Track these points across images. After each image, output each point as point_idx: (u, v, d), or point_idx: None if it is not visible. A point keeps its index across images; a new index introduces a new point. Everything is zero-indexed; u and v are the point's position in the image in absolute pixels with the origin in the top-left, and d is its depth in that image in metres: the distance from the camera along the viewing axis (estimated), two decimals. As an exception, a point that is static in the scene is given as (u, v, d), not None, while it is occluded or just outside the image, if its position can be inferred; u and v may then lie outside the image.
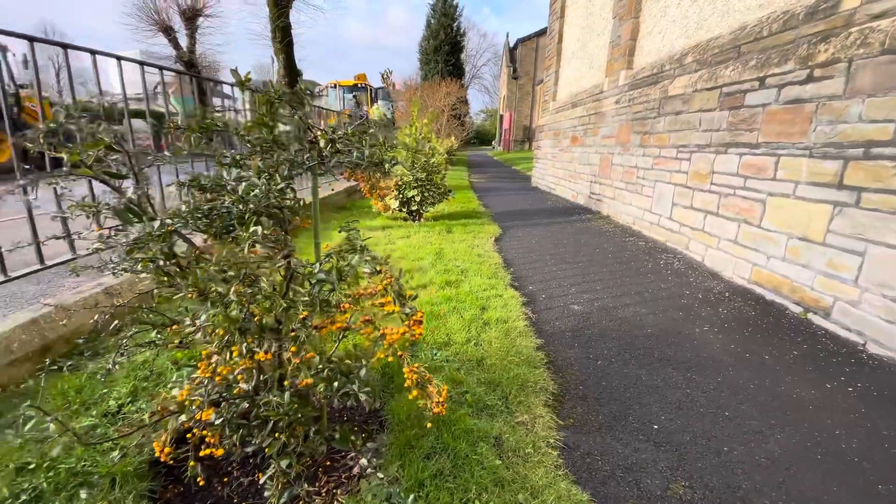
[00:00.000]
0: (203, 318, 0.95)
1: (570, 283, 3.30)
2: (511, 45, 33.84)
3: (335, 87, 23.41)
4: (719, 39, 3.95)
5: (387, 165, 1.29)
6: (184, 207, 0.94)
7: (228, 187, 0.98)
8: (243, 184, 0.97)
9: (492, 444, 1.46)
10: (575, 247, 4.42)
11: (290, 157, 1.21)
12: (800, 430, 1.69)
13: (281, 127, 1.02)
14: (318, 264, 0.99)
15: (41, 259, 2.07)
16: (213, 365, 0.97)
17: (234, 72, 1.02)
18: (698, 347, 2.34)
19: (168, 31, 18.53)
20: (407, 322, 1.12)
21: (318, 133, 1.33)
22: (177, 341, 1.01)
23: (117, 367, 1.20)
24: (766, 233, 3.15)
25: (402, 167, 5.06)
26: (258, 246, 0.95)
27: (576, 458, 1.49)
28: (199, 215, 0.96)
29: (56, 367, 1.67)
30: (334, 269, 0.98)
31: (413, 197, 5.15)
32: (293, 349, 0.96)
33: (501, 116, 35.61)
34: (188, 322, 0.99)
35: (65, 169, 0.90)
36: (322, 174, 1.33)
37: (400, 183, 5.14)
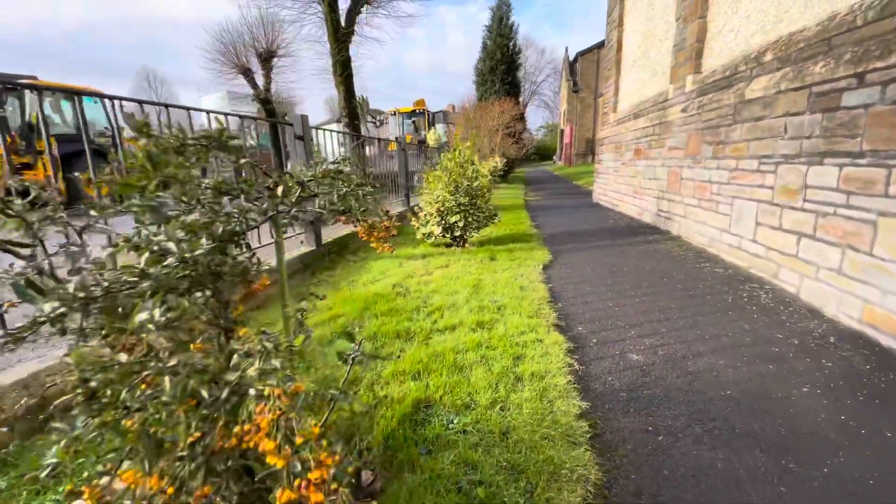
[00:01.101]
0: (56, 449, 0.74)
1: (628, 324, 2.83)
2: (571, 58, 33.19)
3: (395, 114, 24.18)
4: (804, 32, 3.35)
5: (357, 213, 1.04)
6: (71, 288, 0.75)
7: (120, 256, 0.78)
8: (146, 254, 0.76)
9: (502, 570, 1.12)
10: (637, 275, 3.90)
11: (243, 207, 1.00)
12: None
13: (170, 191, 0.80)
14: (234, 357, 0.75)
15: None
16: (101, 489, 0.76)
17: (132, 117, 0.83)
18: (796, 418, 1.81)
19: (247, 73, 20.30)
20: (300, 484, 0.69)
21: (286, 177, 1.12)
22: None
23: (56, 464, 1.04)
24: (878, 262, 2.50)
25: (443, 192, 4.85)
26: (153, 335, 0.73)
27: None
28: (97, 294, 0.76)
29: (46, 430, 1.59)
30: (251, 367, 0.73)
31: (456, 222, 4.91)
32: (171, 490, 0.71)
33: (562, 131, 34.80)
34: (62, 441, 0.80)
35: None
36: (289, 225, 1.11)
37: (442, 209, 4.93)
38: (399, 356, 2.24)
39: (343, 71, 13.25)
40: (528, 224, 6.90)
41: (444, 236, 5.13)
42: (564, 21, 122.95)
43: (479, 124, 13.67)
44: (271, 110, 21.65)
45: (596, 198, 10.31)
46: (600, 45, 27.96)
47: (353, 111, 13.82)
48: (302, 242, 4.28)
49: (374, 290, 3.30)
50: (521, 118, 17.89)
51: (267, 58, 20.87)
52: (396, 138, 12.49)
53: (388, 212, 1.44)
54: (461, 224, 4.92)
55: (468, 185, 4.93)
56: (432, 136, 20.39)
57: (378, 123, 29.25)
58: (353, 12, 13.11)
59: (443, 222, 4.99)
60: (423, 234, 5.21)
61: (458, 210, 4.86)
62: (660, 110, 6.30)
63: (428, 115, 24.06)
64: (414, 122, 23.81)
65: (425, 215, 5.16)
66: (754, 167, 3.83)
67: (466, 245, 5.22)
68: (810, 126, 3.12)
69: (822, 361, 2.28)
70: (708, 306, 3.09)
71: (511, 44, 23.01)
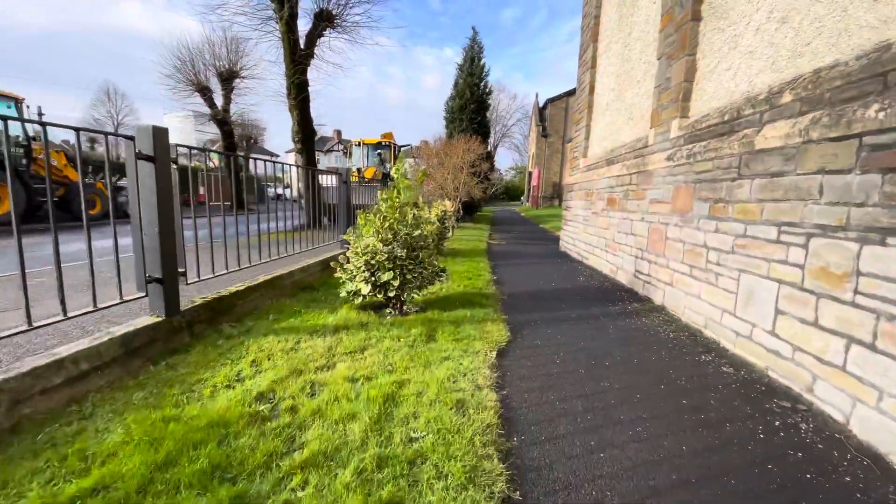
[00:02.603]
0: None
1: (626, 496, 1.72)
2: (540, 104, 33.88)
3: (359, 144, 23.26)
4: (839, 68, 2.53)
5: None
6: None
7: None
8: None
9: None
10: (625, 377, 2.84)
11: None
12: None
13: None
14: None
15: None
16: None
17: None
18: None
19: (204, 92, 19.06)
20: None
21: None
22: None
23: None
24: None
25: (375, 240, 3.72)
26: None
27: None
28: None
29: None
30: None
31: (389, 282, 3.76)
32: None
33: (530, 173, 35.06)
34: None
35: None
36: None
37: (372, 261, 3.78)
38: None
39: (299, 94, 12.21)
40: (488, 278, 5.85)
41: (375, 295, 3.96)
42: (535, 71, 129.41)
43: (444, 161, 12.83)
44: (229, 131, 20.28)
45: (563, 247, 9.49)
46: (570, 94, 28.55)
47: (307, 137, 12.71)
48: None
49: (215, 411, 2.03)
50: (489, 157, 17.30)
51: (228, 77, 19.73)
52: (337, 169, 11.36)
53: None
54: (396, 283, 3.77)
55: (407, 235, 3.83)
56: (398, 170, 19.52)
57: (344, 153, 28.25)
58: (314, 35, 12.22)
59: (373, 279, 3.84)
60: (349, 293, 4.01)
61: (390, 266, 3.73)
62: (638, 157, 5.52)
63: (395, 147, 23.27)
64: (380, 154, 22.93)
65: (352, 268, 3.99)
66: (772, 236, 2.93)
67: (405, 308, 4.07)
68: (862, 190, 2.24)
69: None
70: (735, 449, 2.03)
71: (482, 84, 22.80)
